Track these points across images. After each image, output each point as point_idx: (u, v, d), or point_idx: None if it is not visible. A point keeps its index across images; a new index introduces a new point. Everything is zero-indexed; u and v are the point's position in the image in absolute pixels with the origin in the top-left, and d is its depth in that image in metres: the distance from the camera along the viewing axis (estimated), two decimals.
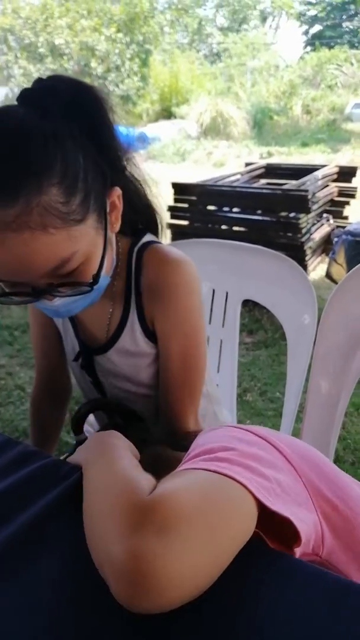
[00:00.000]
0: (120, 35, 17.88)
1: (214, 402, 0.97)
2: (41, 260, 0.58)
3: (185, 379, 0.81)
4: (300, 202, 3.38)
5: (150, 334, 0.80)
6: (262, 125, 14.22)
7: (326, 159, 9.91)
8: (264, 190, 3.73)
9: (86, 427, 1.10)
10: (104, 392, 0.90)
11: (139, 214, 0.80)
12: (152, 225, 0.83)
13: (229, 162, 10.22)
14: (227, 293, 1.21)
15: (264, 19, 30.15)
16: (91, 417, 1.05)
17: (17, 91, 0.63)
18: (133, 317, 0.79)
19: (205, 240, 1.27)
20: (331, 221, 4.19)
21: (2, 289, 0.64)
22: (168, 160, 10.84)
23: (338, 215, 4.33)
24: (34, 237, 0.56)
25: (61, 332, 0.91)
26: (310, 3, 28.54)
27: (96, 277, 0.65)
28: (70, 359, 0.90)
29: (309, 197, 3.40)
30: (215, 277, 1.21)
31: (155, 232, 0.84)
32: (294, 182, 3.92)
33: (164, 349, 0.80)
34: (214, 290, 1.22)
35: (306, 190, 3.41)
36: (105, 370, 0.86)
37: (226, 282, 1.21)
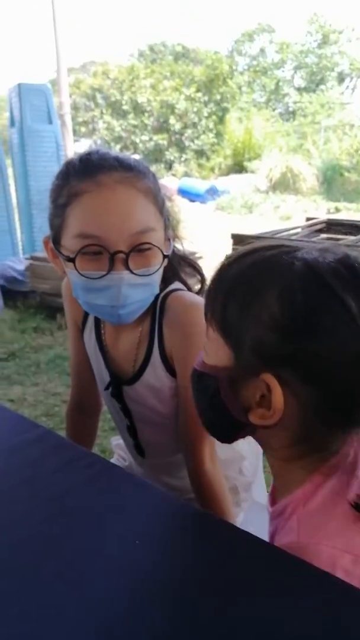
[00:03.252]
0: (199, 94, 18.96)
1: None
2: (136, 216, 0.78)
3: None
4: None
5: (172, 370, 0.91)
6: (331, 181, 14.33)
7: None
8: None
9: (118, 452, 1.20)
10: (131, 417, 1.00)
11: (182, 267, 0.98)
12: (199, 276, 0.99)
13: (295, 216, 10.33)
14: None
15: (341, 80, 30.86)
16: (121, 441, 1.15)
17: (100, 143, 0.85)
18: (156, 354, 0.91)
19: None
20: None
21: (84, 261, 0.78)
22: (235, 212, 11.14)
23: None
24: (137, 196, 0.79)
25: (93, 365, 1.03)
26: None
27: (159, 267, 0.82)
28: (102, 387, 1.02)
29: None
30: None
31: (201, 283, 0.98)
32: (352, 237, 3.99)
33: (181, 381, 0.91)
34: None
35: None
36: (132, 400, 0.97)
37: None
